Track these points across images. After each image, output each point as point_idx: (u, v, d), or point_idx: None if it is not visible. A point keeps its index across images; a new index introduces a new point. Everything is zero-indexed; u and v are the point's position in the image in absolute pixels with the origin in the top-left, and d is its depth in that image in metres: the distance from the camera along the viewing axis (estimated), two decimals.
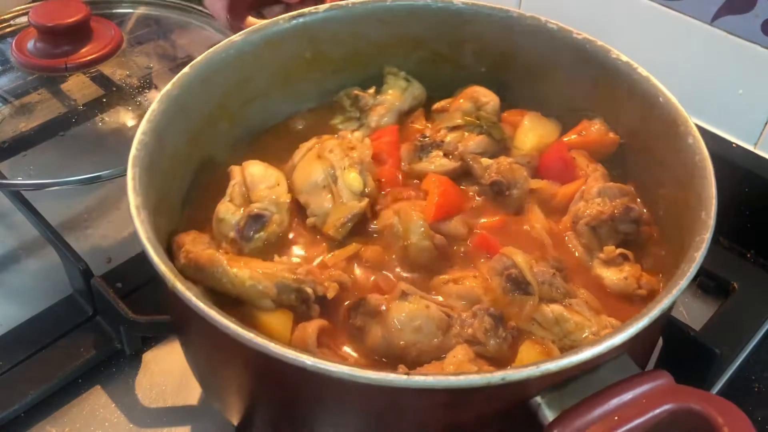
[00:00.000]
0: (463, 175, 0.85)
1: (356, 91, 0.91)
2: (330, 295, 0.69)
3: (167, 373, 0.85)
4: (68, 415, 0.82)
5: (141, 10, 1.28)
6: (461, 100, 0.90)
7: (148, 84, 1.15)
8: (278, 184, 0.79)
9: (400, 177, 0.85)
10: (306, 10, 0.88)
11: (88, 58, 1.16)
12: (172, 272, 0.59)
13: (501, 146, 0.87)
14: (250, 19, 0.90)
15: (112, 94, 1.14)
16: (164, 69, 1.16)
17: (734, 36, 1.02)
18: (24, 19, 1.16)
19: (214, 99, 0.83)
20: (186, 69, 0.79)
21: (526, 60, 0.91)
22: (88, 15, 1.17)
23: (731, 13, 1.00)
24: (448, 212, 0.78)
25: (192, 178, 0.81)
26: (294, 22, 0.87)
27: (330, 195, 0.78)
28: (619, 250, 0.75)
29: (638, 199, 0.80)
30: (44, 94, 1.14)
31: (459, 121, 0.87)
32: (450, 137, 0.86)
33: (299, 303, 0.69)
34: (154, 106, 0.74)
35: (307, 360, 0.53)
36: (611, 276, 0.74)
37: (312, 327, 0.66)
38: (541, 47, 0.89)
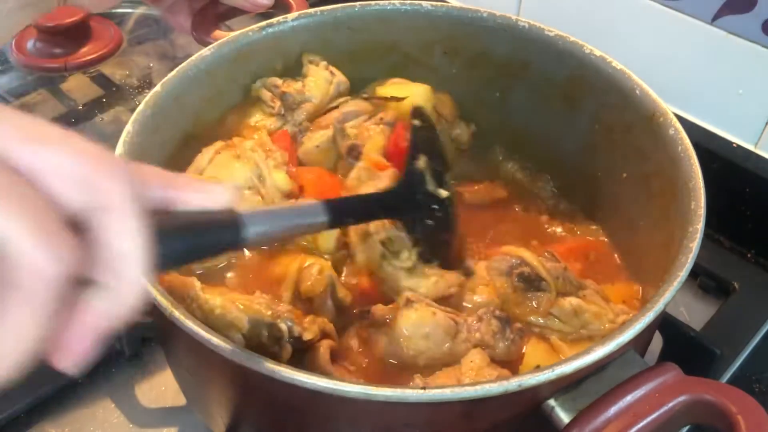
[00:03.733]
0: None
1: (282, 88, 0.86)
2: (306, 337, 0.64)
3: (167, 373, 0.85)
4: (68, 415, 0.82)
5: (141, 10, 1.28)
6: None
7: (148, 84, 1.15)
8: None
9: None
10: (275, 20, 0.87)
11: (88, 58, 1.16)
12: (168, 301, 0.58)
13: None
14: (218, 32, 0.89)
15: (112, 94, 1.14)
16: (164, 69, 1.16)
17: (734, 36, 1.02)
18: None
19: (188, 116, 0.82)
20: (157, 87, 0.77)
21: (497, 59, 0.91)
22: (88, 15, 1.17)
23: (731, 13, 1.00)
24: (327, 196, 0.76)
25: None
26: (263, 32, 0.86)
27: (259, 198, 0.75)
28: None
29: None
30: (44, 94, 1.14)
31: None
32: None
33: (271, 343, 0.64)
34: (128, 127, 0.72)
35: (319, 381, 0.52)
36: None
37: (323, 347, 0.65)
38: (513, 46, 0.89)
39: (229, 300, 0.64)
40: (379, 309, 0.68)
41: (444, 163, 0.76)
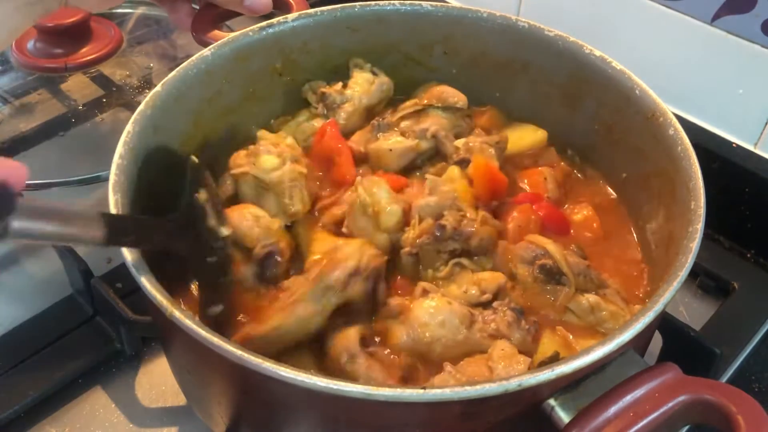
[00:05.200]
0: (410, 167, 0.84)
1: (323, 89, 0.89)
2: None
3: (168, 373, 0.85)
4: (68, 415, 0.82)
5: (141, 10, 1.28)
6: (425, 101, 0.89)
7: (148, 84, 1.15)
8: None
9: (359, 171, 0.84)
10: (275, 20, 0.87)
11: (88, 58, 1.16)
12: (167, 300, 0.58)
13: (465, 128, 0.86)
14: (218, 32, 0.89)
15: (112, 94, 1.14)
16: (164, 69, 1.16)
17: (734, 36, 1.02)
18: None
19: (188, 116, 0.82)
20: (158, 87, 0.77)
21: (497, 59, 0.91)
22: (88, 15, 1.17)
23: (731, 13, 1.00)
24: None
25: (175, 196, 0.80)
26: (263, 33, 0.86)
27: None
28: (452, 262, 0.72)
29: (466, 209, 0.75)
30: (44, 94, 1.14)
31: (422, 104, 0.87)
32: (406, 122, 0.85)
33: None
34: (128, 127, 0.72)
35: (319, 381, 0.52)
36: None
37: (353, 332, 0.66)
38: (513, 46, 0.90)
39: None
40: (396, 299, 0.69)
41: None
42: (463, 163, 0.81)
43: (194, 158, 0.71)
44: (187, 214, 0.68)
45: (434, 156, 0.85)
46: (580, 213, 0.82)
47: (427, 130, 0.84)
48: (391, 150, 0.83)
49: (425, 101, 0.88)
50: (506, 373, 0.62)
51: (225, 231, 0.69)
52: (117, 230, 0.58)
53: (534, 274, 0.71)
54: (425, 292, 0.69)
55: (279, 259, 0.73)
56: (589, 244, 0.79)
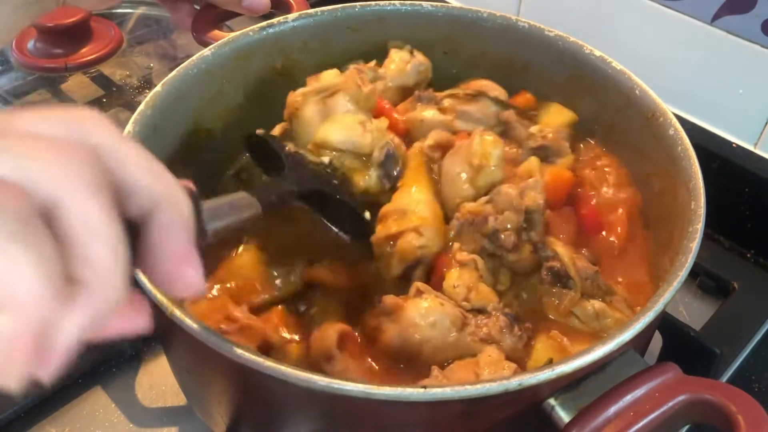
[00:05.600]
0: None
1: (354, 66, 0.87)
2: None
3: (168, 373, 0.85)
4: (68, 415, 0.82)
5: (141, 10, 1.28)
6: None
7: (148, 84, 1.15)
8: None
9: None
10: (275, 20, 0.87)
11: (88, 58, 1.16)
12: (167, 299, 0.58)
13: (501, 127, 0.85)
14: (218, 32, 0.89)
15: (112, 94, 1.14)
16: (164, 69, 1.16)
17: (734, 36, 1.02)
18: None
19: (188, 116, 0.82)
20: (158, 87, 0.77)
21: (497, 59, 0.91)
22: (88, 15, 1.17)
23: (731, 13, 1.00)
24: None
25: None
26: (263, 32, 0.86)
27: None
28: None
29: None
30: (44, 94, 1.14)
31: (473, 90, 0.85)
32: (450, 101, 0.84)
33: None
34: (129, 127, 0.72)
35: (319, 381, 0.52)
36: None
37: (333, 330, 0.66)
38: (513, 46, 0.90)
39: None
40: (390, 298, 0.68)
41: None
42: (540, 151, 0.79)
43: (258, 132, 0.78)
44: (291, 165, 0.73)
45: None
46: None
47: (466, 113, 0.82)
48: (422, 120, 0.82)
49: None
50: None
51: (325, 158, 0.73)
52: (264, 199, 0.60)
53: (541, 276, 0.70)
54: (419, 292, 0.68)
55: (397, 155, 0.75)
56: (608, 248, 0.78)
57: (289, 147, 0.74)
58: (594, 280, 0.70)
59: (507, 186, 0.72)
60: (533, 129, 0.82)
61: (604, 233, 0.79)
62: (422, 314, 0.66)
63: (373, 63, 0.89)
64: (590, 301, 0.69)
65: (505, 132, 0.84)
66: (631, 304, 0.72)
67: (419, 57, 0.91)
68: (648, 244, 0.78)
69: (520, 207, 0.71)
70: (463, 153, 0.75)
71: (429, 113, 0.82)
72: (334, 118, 0.77)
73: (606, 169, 0.83)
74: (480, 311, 0.69)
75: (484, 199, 0.73)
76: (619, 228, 0.79)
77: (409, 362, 0.66)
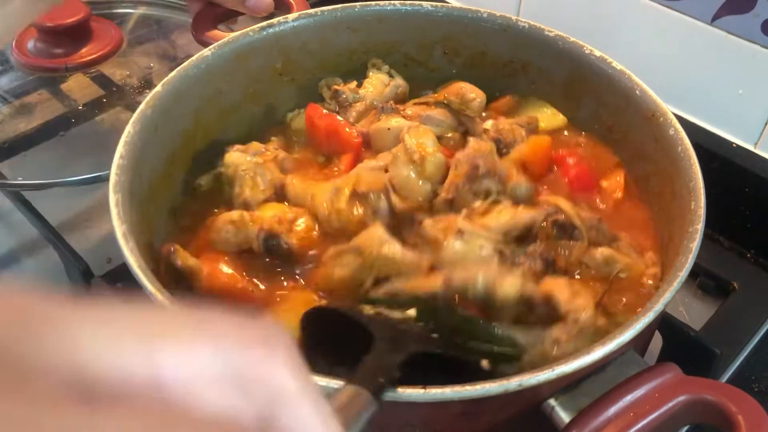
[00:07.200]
0: None
1: (336, 86, 0.89)
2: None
3: None
4: None
5: (141, 10, 1.28)
6: (443, 97, 0.87)
7: (148, 84, 1.15)
8: None
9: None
10: (275, 20, 0.87)
11: (88, 58, 1.16)
12: (168, 299, 0.58)
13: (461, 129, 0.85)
14: (218, 32, 0.89)
15: (112, 94, 1.14)
16: (164, 69, 1.16)
17: (734, 36, 1.02)
18: None
19: (188, 115, 0.82)
20: (158, 87, 0.77)
21: (497, 59, 0.91)
22: (88, 15, 1.17)
23: (731, 13, 1.00)
24: None
25: (176, 194, 0.81)
26: (264, 33, 0.86)
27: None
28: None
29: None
30: (44, 94, 1.14)
31: (428, 99, 0.86)
32: (413, 109, 0.85)
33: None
34: (129, 127, 0.72)
35: (319, 381, 0.52)
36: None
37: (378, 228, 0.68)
38: (513, 46, 0.90)
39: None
40: (430, 226, 0.68)
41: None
42: (498, 143, 0.80)
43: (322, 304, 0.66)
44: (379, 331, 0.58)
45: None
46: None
47: (430, 117, 0.83)
48: (389, 129, 0.81)
49: (443, 97, 0.87)
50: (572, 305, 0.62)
51: (411, 312, 0.63)
52: (377, 388, 0.49)
53: (548, 232, 0.70)
54: (460, 233, 0.68)
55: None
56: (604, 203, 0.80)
57: (365, 309, 0.63)
58: (598, 229, 0.71)
59: (459, 152, 0.74)
60: (486, 124, 0.83)
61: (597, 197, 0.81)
62: (459, 255, 0.66)
63: (353, 84, 0.89)
64: (598, 249, 0.70)
65: (467, 131, 0.84)
66: (637, 249, 0.72)
67: (398, 80, 0.91)
68: (644, 213, 0.80)
69: (484, 146, 0.74)
70: (402, 158, 0.75)
71: (395, 121, 0.82)
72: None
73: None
74: (518, 244, 0.69)
75: (454, 171, 0.74)
76: (611, 181, 0.82)
77: None
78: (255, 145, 0.82)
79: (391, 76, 0.92)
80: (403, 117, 0.84)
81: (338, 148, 0.83)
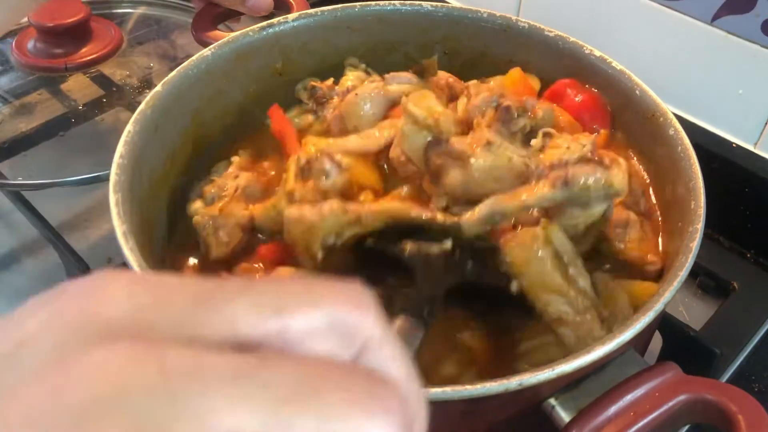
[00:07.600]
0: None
1: (313, 83, 0.87)
2: None
3: None
4: None
5: (141, 10, 1.28)
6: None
7: (148, 84, 1.15)
8: None
9: None
10: (275, 20, 0.87)
11: (88, 58, 1.16)
12: None
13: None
14: (218, 32, 0.89)
15: (112, 94, 1.14)
16: (164, 69, 1.16)
17: (734, 36, 1.02)
18: (24, 19, 1.17)
19: (188, 115, 0.82)
20: (158, 87, 0.77)
21: (497, 60, 0.91)
22: (88, 15, 1.17)
23: (731, 13, 1.00)
24: None
25: (176, 194, 0.80)
26: (264, 33, 0.86)
27: None
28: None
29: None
30: (44, 94, 1.14)
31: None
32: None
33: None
34: (129, 127, 0.72)
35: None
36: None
37: None
38: (513, 46, 0.90)
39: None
40: (457, 141, 0.68)
41: None
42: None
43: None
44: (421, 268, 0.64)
45: None
46: None
47: (396, 77, 0.81)
48: (357, 95, 0.79)
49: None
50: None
51: (447, 244, 0.66)
52: (422, 320, 0.56)
53: (501, 117, 0.69)
54: (489, 144, 0.67)
55: None
56: None
57: (407, 246, 0.65)
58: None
59: (474, 99, 0.73)
60: (470, 83, 0.81)
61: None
62: (490, 166, 0.66)
63: (330, 81, 0.88)
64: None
65: (451, 96, 0.82)
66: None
67: (374, 77, 0.89)
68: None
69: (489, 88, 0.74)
70: (412, 128, 0.71)
71: (362, 88, 0.80)
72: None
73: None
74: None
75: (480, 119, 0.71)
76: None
77: (468, 204, 0.66)
78: (219, 183, 0.79)
79: (368, 73, 0.90)
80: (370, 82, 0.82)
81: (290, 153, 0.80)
